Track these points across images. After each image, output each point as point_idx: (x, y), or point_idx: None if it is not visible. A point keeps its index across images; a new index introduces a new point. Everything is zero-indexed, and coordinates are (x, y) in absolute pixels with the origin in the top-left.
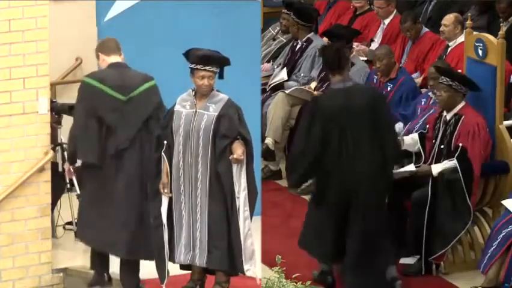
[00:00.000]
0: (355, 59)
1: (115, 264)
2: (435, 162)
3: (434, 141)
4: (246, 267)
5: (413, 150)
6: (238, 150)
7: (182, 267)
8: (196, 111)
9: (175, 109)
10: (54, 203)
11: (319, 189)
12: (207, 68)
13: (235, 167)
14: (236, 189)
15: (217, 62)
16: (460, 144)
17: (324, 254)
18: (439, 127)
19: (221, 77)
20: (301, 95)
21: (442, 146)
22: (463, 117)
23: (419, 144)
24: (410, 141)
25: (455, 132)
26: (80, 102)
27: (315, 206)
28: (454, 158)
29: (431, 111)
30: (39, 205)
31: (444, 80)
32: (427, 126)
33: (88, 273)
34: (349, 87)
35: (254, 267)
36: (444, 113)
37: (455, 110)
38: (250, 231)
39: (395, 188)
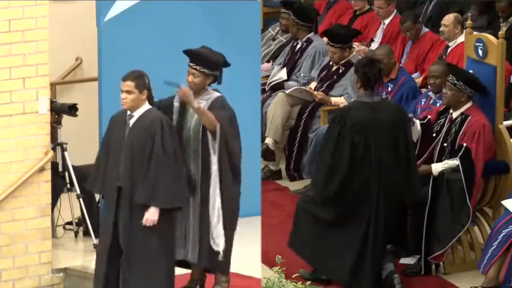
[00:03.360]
0: (355, 59)
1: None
2: (437, 160)
3: (434, 135)
4: (212, 240)
5: (415, 138)
6: (190, 92)
7: (179, 264)
8: (190, 108)
9: (174, 102)
10: (53, 203)
11: (336, 198)
12: (191, 64)
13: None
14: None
15: (202, 61)
16: (464, 144)
17: (339, 272)
18: (443, 124)
19: (219, 82)
20: (301, 95)
21: (445, 144)
22: (470, 117)
23: (419, 133)
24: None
25: (460, 132)
26: None
27: (326, 215)
28: (457, 158)
29: (431, 110)
30: (39, 205)
31: (451, 78)
32: (429, 117)
33: (88, 273)
34: (377, 102)
35: (221, 243)
36: (451, 111)
37: (462, 110)
38: (220, 211)
39: None
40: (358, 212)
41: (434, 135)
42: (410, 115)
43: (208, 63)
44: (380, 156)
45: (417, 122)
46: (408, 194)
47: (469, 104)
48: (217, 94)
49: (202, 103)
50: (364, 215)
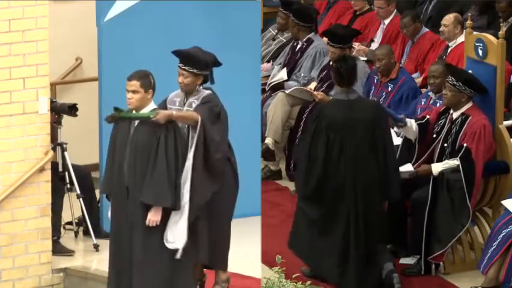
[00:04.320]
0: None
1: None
2: (438, 161)
3: (435, 136)
4: (170, 238)
5: (412, 137)
6: (167, 112)
7: None
8: (182, 110)
9: (167, 105)
10: (55, 205)
11: (317, 197)
12: (180, 65)
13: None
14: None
15: (191, 62)
16: (465, 145)
17: (329, 272)
18: (444, 124)
19: (211, 82)
20: (301, 95)
21: (446, 145)
22: (470, 117)
23: (416, 131)
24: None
25: (461, 132)
26: None
27: (311, 214)
28: (457, 158)
29: (431, 110)
30: (39, 205)
31: (450, 79)
32: (427, 117)
33: (88, 273)
34: (353, 99)
35: (180, 240)
36: (451, 111)
37: (462, 110)
38: (186, 206)
39: None
40: (337, 212)
41: (434, 136)
42: (402, 116)
43: (197, 64)
44: (357, 154)
45: (412, 122)
46: (386, 193)
47: (469, 105)
48: (207, 92)
49: (194, 102)
50: (343, 215)
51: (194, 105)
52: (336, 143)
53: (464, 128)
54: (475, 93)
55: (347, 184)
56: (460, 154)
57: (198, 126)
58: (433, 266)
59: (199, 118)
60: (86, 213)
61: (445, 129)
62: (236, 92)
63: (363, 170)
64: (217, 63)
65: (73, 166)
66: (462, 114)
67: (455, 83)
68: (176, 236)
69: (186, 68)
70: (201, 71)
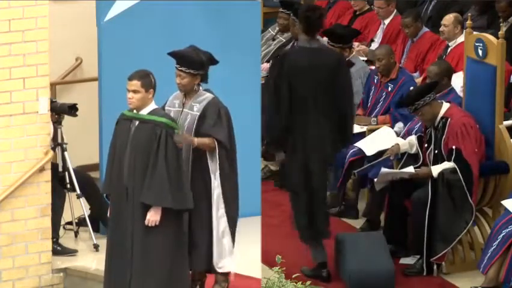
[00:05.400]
0: (355, 59)
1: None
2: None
3: (426, 145)
4: (220, 264)
5: (412, 152)
6: (190, 138)
7: None
8: (182, 111)
9: (165, 108)
10: (54, 206)
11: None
12: (177, 66)
13: (209, 165)
14: (211, 187)
15: (186, 62)
16: (454, 147)
17: (310, 233)
18: (430, 132)
19: (205, 81)
20: None
21: (437, 151)
22: (449, 119)
23: (416, 146)
24: (407, 145)
25: (444, 136)
26: None
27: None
28: (452, 162)
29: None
30: (39, 205)
31: (409, 109)
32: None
33: (88, 273)
34: (315, 47)
35: (230, 264)
36: None
37: (441, 114)
38: (227, 229)
39: (396, 188)
40: (306, 157)
41: (426, 145)
42: (398, 129)
43: (192, 64)
44: (319, 98)
45: (412, 139)
46: (342, 138)
47: (445, 107)
48: (209, 96)
49: (196, 106)
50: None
51: (195, 109)
52: (299, 86)
53: (445, 131)
54: (434, 95)
55: (311, 129)
56: (453, 157)
57: (218, 156)
58: (435, 266)
59: (216, 145)
60: (86, 213)
61: (433, 137)
62: (236, 92)
63: (325, 113)
64: (214, 61)
65: (73, 169)
66: (442, 118)
67: (413, 108)
68: (225, 261)
69: (182, 68)
70: (197, 71)
